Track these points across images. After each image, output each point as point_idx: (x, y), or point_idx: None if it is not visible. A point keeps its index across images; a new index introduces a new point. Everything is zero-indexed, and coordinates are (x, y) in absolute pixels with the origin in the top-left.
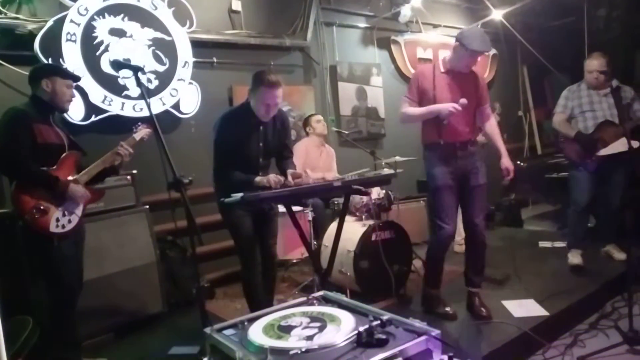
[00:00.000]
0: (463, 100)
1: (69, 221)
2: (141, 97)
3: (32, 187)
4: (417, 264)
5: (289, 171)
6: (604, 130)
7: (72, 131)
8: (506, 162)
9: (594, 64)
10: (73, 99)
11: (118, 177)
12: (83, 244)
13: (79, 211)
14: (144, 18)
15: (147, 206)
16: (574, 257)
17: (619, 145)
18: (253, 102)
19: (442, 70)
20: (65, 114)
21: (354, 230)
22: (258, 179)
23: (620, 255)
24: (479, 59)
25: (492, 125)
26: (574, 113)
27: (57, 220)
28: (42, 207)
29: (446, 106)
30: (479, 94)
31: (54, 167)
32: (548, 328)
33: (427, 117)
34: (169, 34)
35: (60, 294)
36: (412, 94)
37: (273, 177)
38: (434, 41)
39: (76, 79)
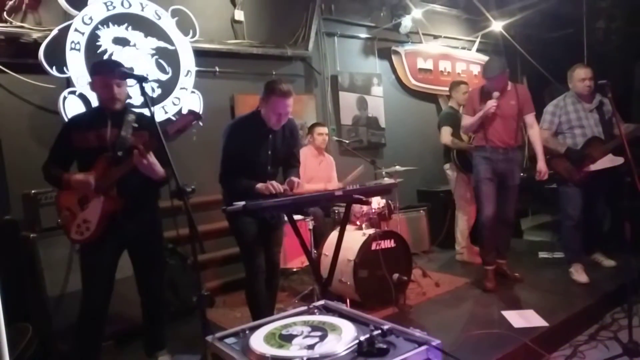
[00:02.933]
0: (496, 94)
1: (87, 229)
2: (144, 105)
3: (63, 192)
4: (417, 273)
5: (287, 179)
6: (593, 146)
7: None
8: (540, 165)
9: (584, 72)
10: (118, 97)
11: None
12: (139, 253)
13: (94, 219)
14: (148, 27)
15: None
16: (580, 275)
17: (607, 162)
18: (264, 110)
19: (485, 91)
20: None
21: (354, 239)
22: (259, 185)
23: (608, 262)
24: (495, 81)
25: (532, 134)
26: (562, 129)
27: (78, 226)
28: (66, 212)
29: (487, 104)
30: (520, 106)
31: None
32: (548, 339)
33: (478, 123)
34: (172, 43)
35: (83, 305)
36: (467, 111)
37: (274, 184)
38: (434, 52)
39: (122, 75)
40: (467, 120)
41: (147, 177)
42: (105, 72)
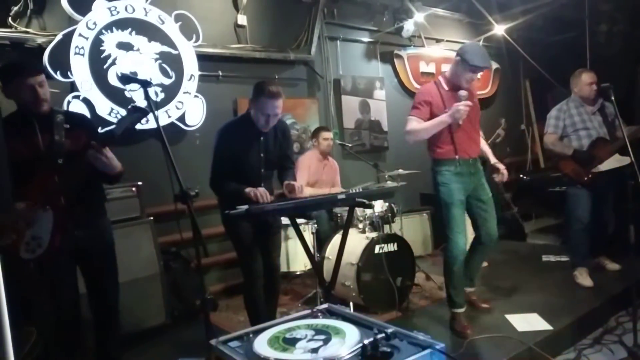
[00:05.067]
0: (463, 93)
1: (39, 245)
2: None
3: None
4: (420, 276)
5: (285, 182)
6: (599, 147)
7: None
8: (499, 165)
9: (590, 76)
10: (43, 97)
11: (123, 189)
12: (92, 260)
13: (46, 234)
14: (151, 32)
15: (152, 217)
16: (584, 279)
17: (614, 162)
18: (254, 112)
19: (446, 88)
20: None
21: (357, 242)
22: (247, 189)
23: (613, 266)
24: (479, 74)
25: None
26: (567, 132)
27: (27, 244)
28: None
29: (457, 107)
30: (477, 108)
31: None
32: (552, 343)
33: (437, 129)
34: (175, 48)
35: (56, 321)
36: (421, 112)
37: (261, 191)
38: (436, 55)
39: (34, 72)
40: (415, 125)
41: (92, 179)
42: (22, 72)
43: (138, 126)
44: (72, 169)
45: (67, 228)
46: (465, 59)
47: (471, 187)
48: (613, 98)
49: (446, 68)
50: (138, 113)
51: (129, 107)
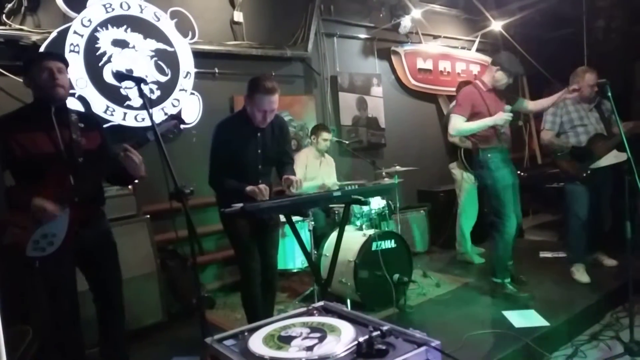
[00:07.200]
0: (507, 107)
1: (50, 243)
2: (143, 107)
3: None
4: (417, 273)
5: (284, 176)
6: (597, 143)
7: None
8: None
9: (593, 77)
10: (61, 83)
11: (119, 187)
12: (97, 260)
13: (61, 232)
14: (147, 29)
15: (148, 215)
16: (582, 276)
17: (611, 158)
18: (249, 108)
19: (484, 89)
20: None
21: (354, 240)
22: (249, 188)
23: (610, 262)
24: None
25: None
26: (565, 128)
27: (37, 242)
28: (16, 230)
29: (502, 116)
30: None
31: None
32: (549, 339)
33: (480, 129)
34: (171, 45)
35: (55, 323)
36: (463, 110)
37: (262, 188)
38: (434, 52)
39: (54, 56)
40: (461, 124)
41: (102, 180)
42: (42, 55)
43: (135, 124)
44: (88, 168)
45: (77, 228)
46: (506, 68)
47: (514, 173)
48: (610, 94)
49: (444, 64)
50: (175, 121)
51: (168, 115)
